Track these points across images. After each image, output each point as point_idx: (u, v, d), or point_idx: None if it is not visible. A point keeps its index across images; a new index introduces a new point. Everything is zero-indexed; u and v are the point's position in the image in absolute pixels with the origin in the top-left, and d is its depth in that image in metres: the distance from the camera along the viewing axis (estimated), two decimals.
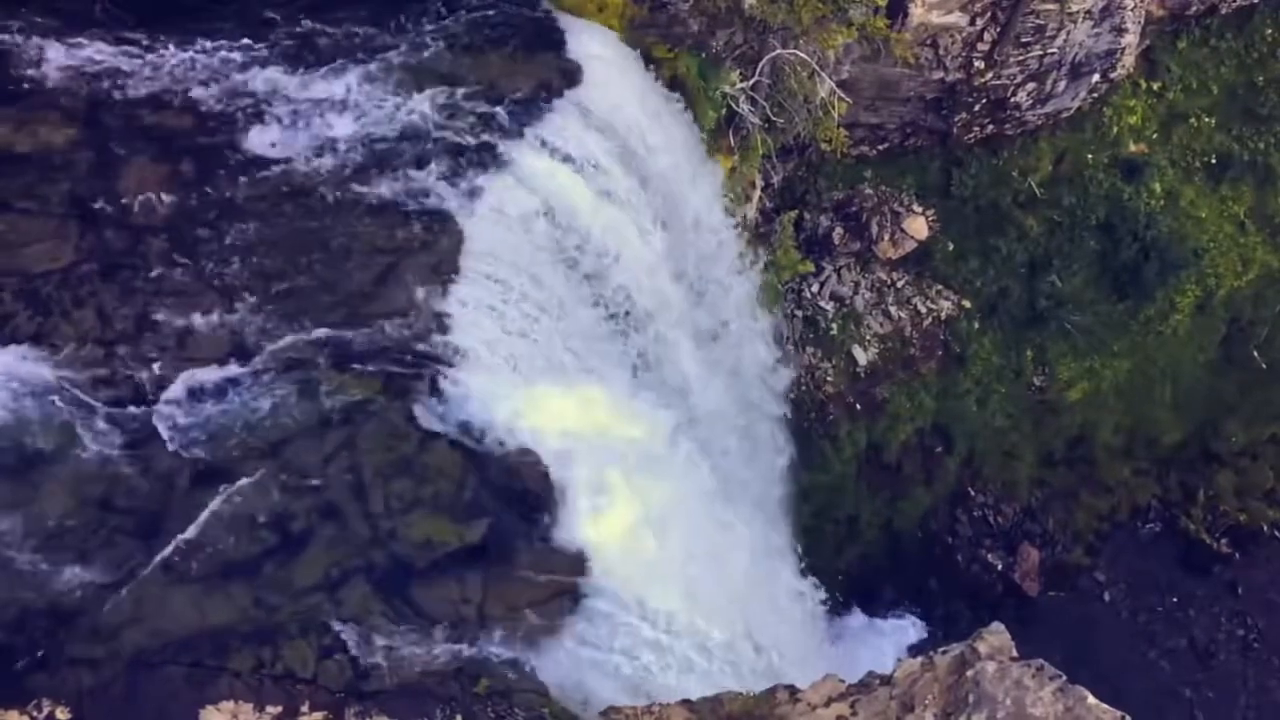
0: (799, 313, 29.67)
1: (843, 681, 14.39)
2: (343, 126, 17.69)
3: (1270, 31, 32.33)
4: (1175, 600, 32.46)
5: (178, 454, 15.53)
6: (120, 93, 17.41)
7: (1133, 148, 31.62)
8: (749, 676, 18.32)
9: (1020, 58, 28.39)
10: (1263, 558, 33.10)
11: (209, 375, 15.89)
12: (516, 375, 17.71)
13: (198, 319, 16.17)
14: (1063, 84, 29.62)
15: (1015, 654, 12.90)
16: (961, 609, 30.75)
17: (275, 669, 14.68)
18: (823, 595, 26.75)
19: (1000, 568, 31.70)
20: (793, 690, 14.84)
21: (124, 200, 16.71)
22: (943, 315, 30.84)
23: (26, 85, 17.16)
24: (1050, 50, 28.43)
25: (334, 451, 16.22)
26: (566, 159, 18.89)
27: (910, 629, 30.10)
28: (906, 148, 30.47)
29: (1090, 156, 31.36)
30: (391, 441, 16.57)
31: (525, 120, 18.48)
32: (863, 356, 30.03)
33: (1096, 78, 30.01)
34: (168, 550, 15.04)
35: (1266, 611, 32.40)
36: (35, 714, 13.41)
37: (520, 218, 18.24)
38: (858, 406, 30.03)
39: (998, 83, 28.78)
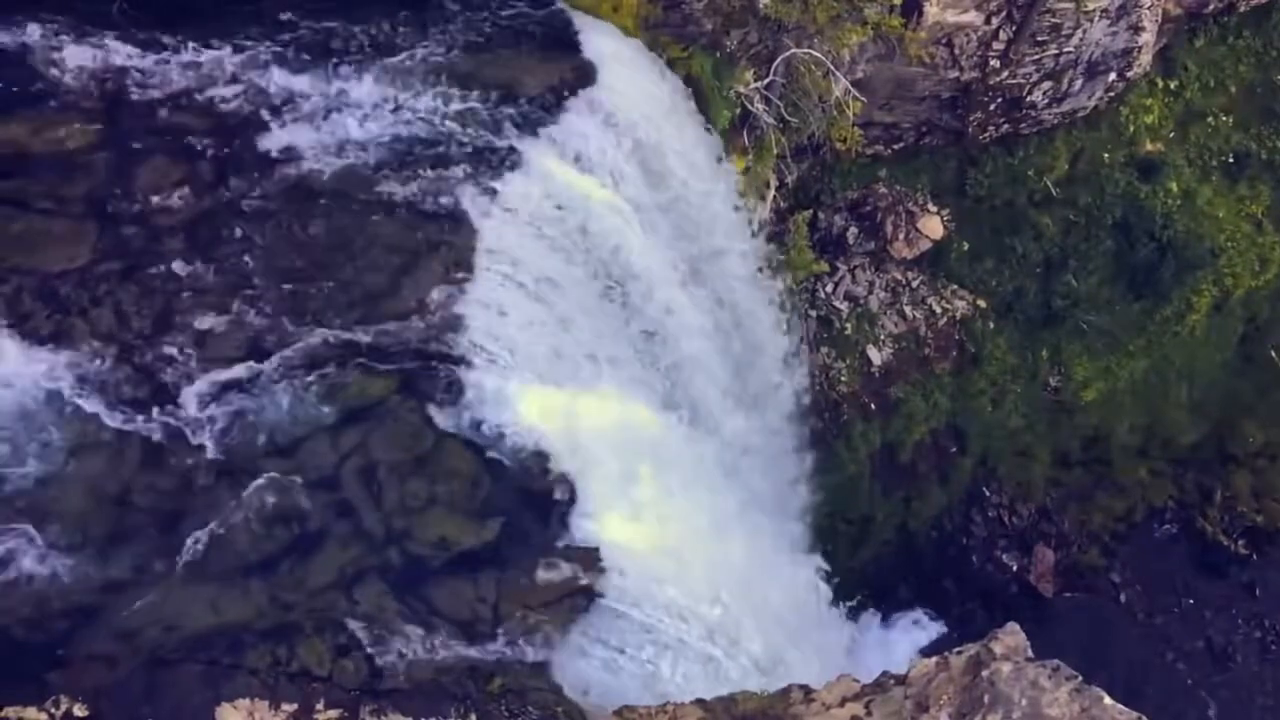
0: (813, 312, 29.63)
1: (857, 681, 14.38)
2: (359, 127, 17.74)
3: None
4: (1192, 601, 32.30)
5: (195, 453, 15.61)
6: (138, 93, 17.50)
7: (1149, 147, 31.46)
8: (763, 676, 18.31)
9: (1036, 56, 28.28)
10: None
11: (226, 374, 15.96)
12: (531, 375, 17.74)
13: (215, 318, 16.25)
14: (1079, 83, 29.50)
15: (1030, 654, 12.85)
16: (976, 609, 30.67)
17: (291, 667, 14.75)
18: (837, 595, 26.76)
19: (1015, 568, 31.60)
20: (807, 690, 14.83)
21: (142, 200, 16.80)
22: (958, 315, 30.76)
23: (45, 86, 17.25)
24: (1066, 49, 28.31)
25: (349, 451, 16.29)
26: (581, 159, 18.92)
27: (925, 629, 30.04)
28: (921, 147, 30.38)
29: (1106, 155, 31.20)
30: (406, 441, 16.63)
31: (540, 120, 18.51)
32: (877, 356, 29.98)
33: (1113, 76, 29.86)
34: (186, 549, 15.12)
35: None
36: (53, 711, 13.49)
37: (535, 218, 18.28)
38: (872, 406, 29.96)
39: (1013, 82, 28.67)
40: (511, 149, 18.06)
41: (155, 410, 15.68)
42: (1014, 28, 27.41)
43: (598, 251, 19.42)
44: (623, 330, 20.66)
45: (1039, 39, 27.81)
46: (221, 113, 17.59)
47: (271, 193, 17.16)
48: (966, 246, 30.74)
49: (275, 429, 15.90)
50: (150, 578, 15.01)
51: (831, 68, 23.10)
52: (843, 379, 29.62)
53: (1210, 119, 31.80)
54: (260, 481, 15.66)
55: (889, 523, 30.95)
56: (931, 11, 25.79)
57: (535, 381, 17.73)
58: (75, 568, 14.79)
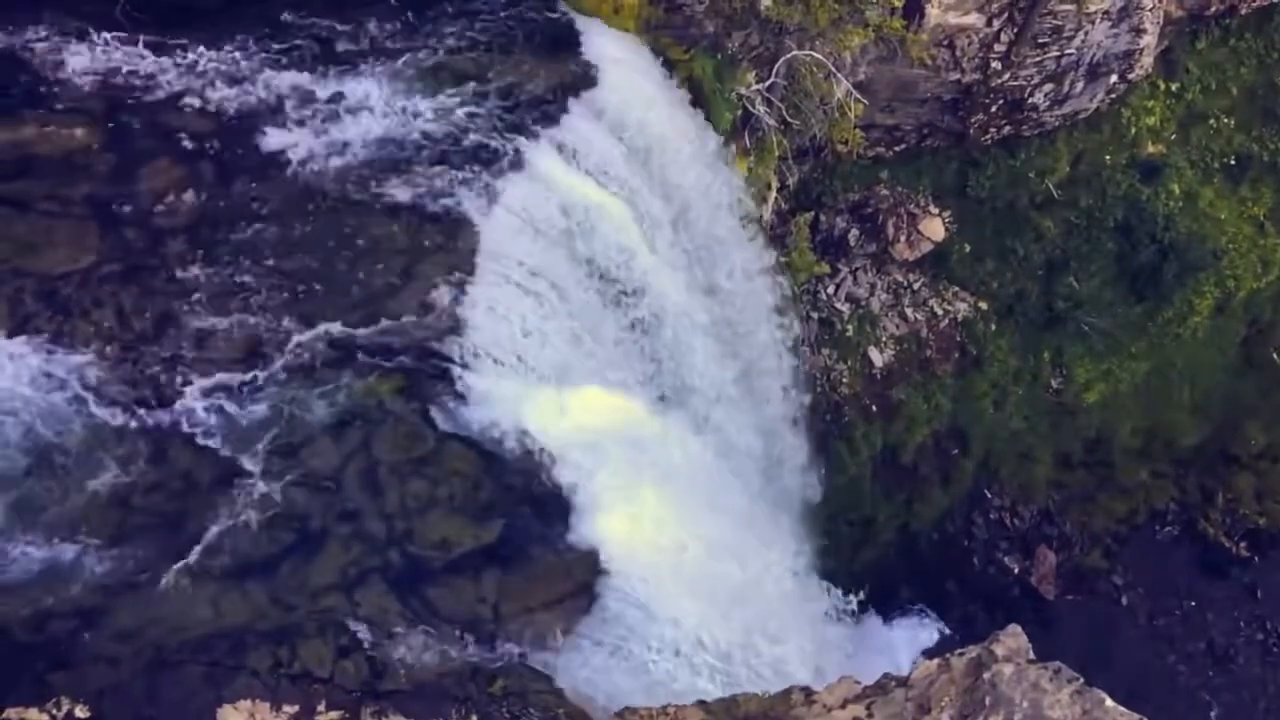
0: (815, 314, 29.63)
1: (859, 683, 14.35)
2: (360, 128, 17.76)
3: None
4: (1193, 604, 32.30)
5: (197, 454, 15.62)
6: (140, 95, 17.52)
7: (1151, 149, 31.47)
8: (764, 677, 18.30)
9: (1037, 59, 28.29)
10: None
11: (228, 376, 15.97)
12: (533, 376, 17.75)
13: (217, 320, 16.26)
14: (1080, 85, 29.50)
15: (1032, 656, 12.83)
16: (978, 611, 30.67)
17: (292, 668, 14.75)
18: (839, 596, 26.73)
19: (1017, 570, 31.60)
20: (808, 692, 14.80)
21: (144, 202, 16.82)
22: (959, 317, 30.76)
23: (47, 88, 17.28)
24: (1068, 51, 28.33)
25: (351, 452, 16.29)
26: (582, 161, 18.92)
27: (926, 631, 30.03)
28: (923, 149, 30.39)
29: (1108, 157, 31.22)
30: (408, 442, 16.63)
31: (541, 122, 18.52)
32: (879, 358, 29.98)
33: (1114, 78, 29.87)
34: (188, 550, 15.13)
35: None
36: (55, 712, 13.48)
37: (536, 220, 18.28)
38: (874, 408, 29.96)
39: (1015, 84, 28.68)
40: (513, 151, 18.07)
41: (157, 411, 15.68)
42: (1015, 30, 27.42)
43: (598, 253, 19.40)
44: (625, 332, 20.64)
45: (1040, 41, 27.82)
46: (223, 114, 17.61)
47: (273, 194, 17.18)
48: (968, 248, 30.75)
49: (277, 430, 15.90)
50: (152, 579, 15.02)
51: (833, 69, 23.12)
52: (844, 381, 29.62)
53: (1212, 121, 31.81)
54: (262, 483, 15.67)
55: (890, 524, 30.95)
56: (933, 13, 25.81)
57: (537, 383, 17.73)
58: (77, 569, 14.80)
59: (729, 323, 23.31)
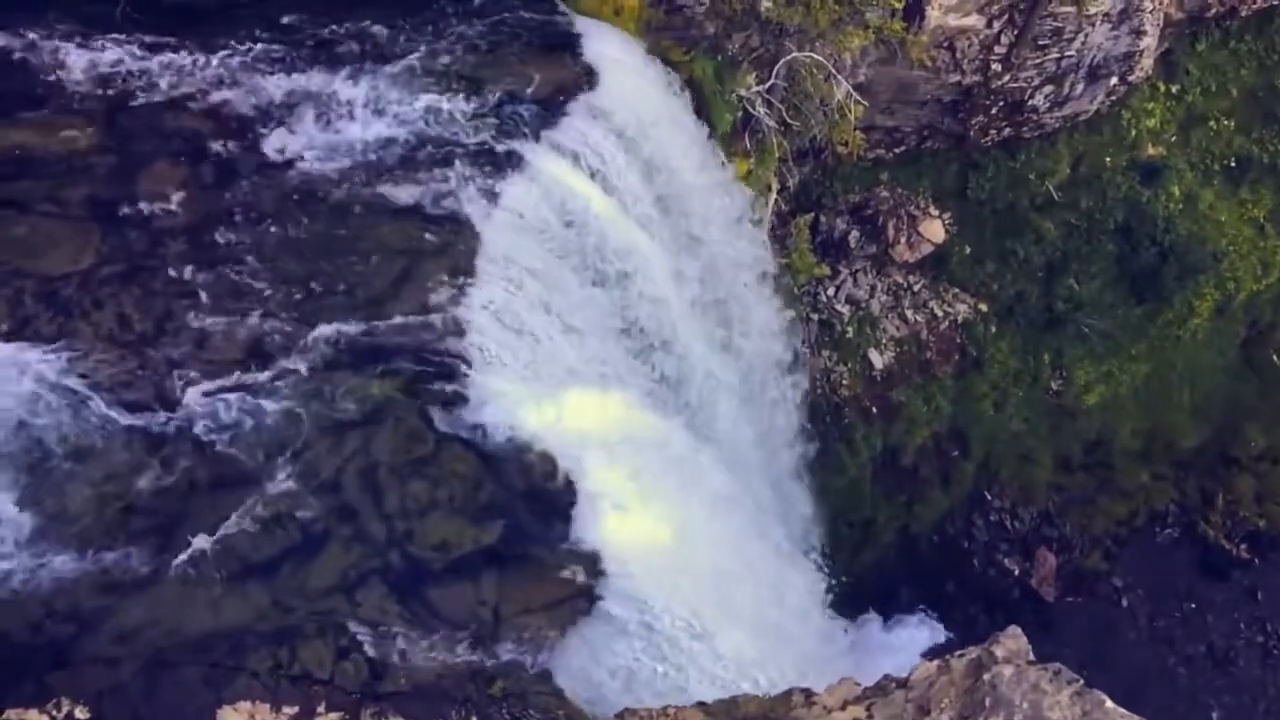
0: (815, 316, 29.64)
1: (859, 685, 14.34)
2: (361, 129, 17.77)
3: None
4: (1194, 606, 32.28)
5: (197, 455, 15.62)
6: (141, 96, 17.53)
7: (1151, 150, 31.49)
8: (764, 679, 18.29)
9: (1038, 60, 28.31)
10: None
11: (229, 377, 15.97)
12: (533, 378, 17.74)
13: (217, 321, 16.25)
14: (1080, 86, 29.53)
15: (1032, 657, 12.83)
16: (978, 613, 30.65)
17: (292, 670, 14.75)
18: (839, 598, 26.74)
19: (1017, 572, 31.58)
20: (808, 693, 14.80)
21: (144, 203, 16.83)
22: (959, 319, 30.76)
23: (48, 89, 17.30)
24: (1068, 53, 28.35)
25: (351, 453, 16.28)
26: (582, 163, 18.93)
27: (926, 632, 30.00)
28: (923, 150, 30.41)
29: (1108, 159, 31.23)
30: (408, 444, 16.62)
31: (542, 124, 18.52)
32: (879, 360, 29.99)
33: (1114, 80, 29.89)
34: (188, 552, 15.12)
35: None
36: (55, 713, 13.48)
37: (536, 222, 18.29)
38: (874, 410, 29.97)
39: (1015, 85, 28.70)
40: (513, 152, 18.07)
41: (157, 413, 15.68)
42: (1015, 31, 27.45)
43: (598, 255, 19.42)
44: (625, 334, 20.66)
45: (1040, 43, 27.85)
46: (224, 115, 17.62)
47: (273, 195, 17.18)
48: (968, 250, 30.77)
49: (277, 431, 15.89)
50: (152, 580, 15.01)
51: (833, 71, 23.15)
52: (844, 382, 29.63)
53: (1212, 123, 31.83)
54: (262, 484, 15.67)
55: (890, 526, 30.94)
56: (933, 15, 25.82)
57: (537, 385, 17.73)
58: (77, 570, 14.79)
59: (744, 379, 23.57)
